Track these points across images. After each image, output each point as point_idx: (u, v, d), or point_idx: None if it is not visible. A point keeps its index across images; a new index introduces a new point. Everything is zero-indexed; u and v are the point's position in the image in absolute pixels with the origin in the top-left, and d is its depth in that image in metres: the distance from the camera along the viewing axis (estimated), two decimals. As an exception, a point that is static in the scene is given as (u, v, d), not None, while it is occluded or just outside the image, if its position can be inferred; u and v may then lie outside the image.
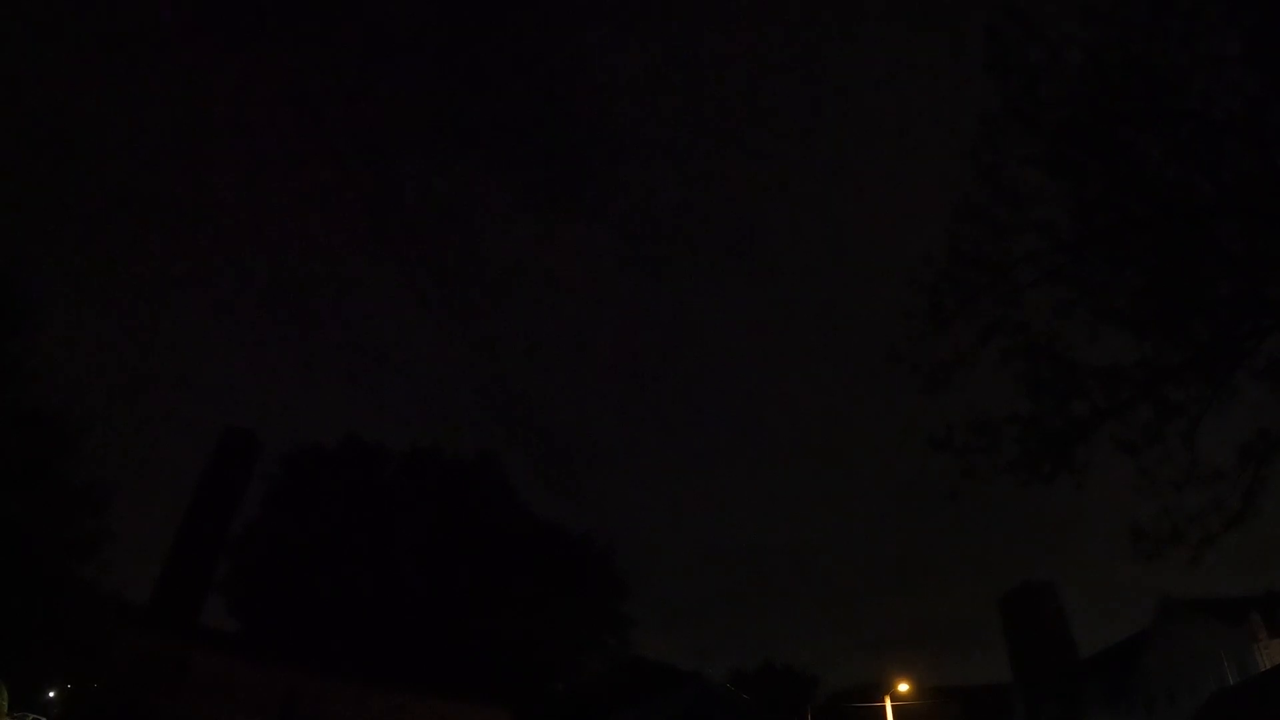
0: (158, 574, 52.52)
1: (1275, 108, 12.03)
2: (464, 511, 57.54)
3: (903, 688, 48.44)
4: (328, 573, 51.44)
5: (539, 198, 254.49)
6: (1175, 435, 13.28)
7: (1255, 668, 39.02)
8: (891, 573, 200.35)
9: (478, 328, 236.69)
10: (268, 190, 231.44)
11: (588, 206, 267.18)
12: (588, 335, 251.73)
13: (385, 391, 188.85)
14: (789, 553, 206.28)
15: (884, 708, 46.83)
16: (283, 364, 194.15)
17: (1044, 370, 13.94)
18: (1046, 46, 13.18)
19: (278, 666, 41.22)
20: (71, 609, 26.72)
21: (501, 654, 53.62)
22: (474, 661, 52.62)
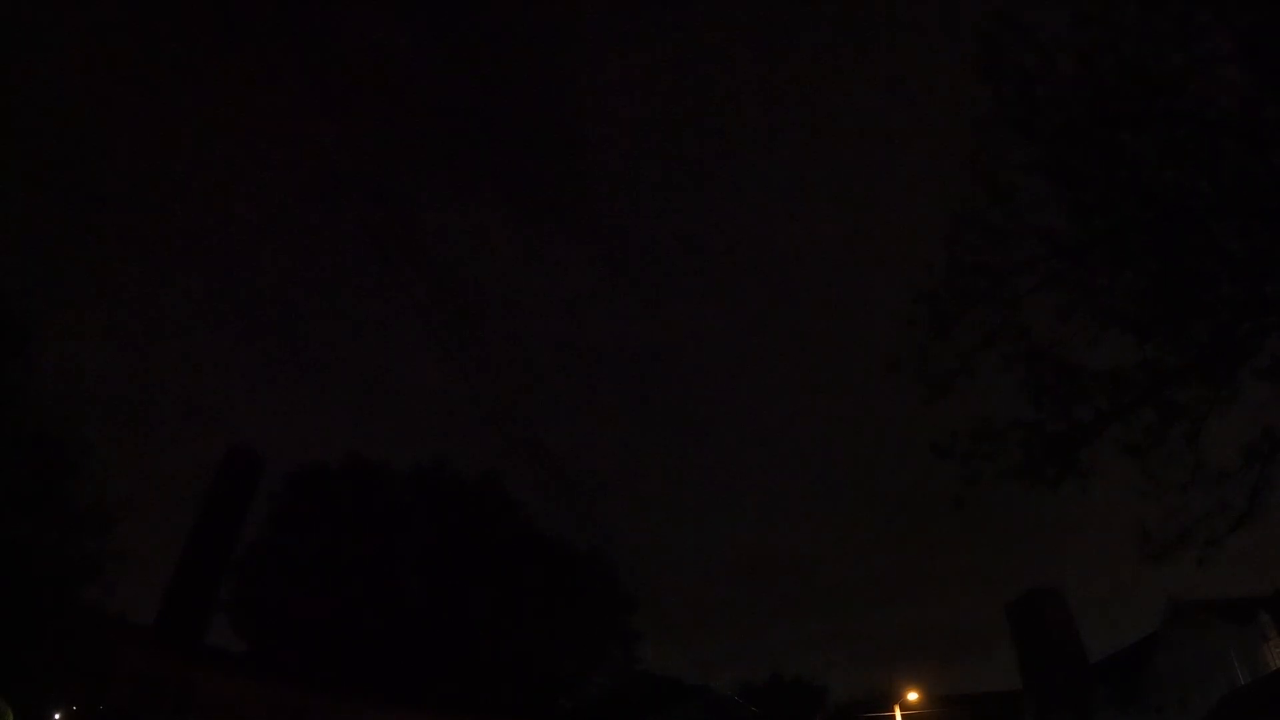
0: (162, 595, 52.30)
1: (1271, 105, 12.06)
2: (468, 528, 57.43)
3: (912, 697, 48.18)
4: (333, 591, 51.31)
5: (528, 214, 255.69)
6: (1179, 437, 13.26)
7: (1265, 668, 38.87)
8: (898, 581, 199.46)
9: (476, 345, 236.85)
10: (267, 211, 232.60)
11: (582, 221, 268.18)
12: (587, 350, 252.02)
13: (387, 409, 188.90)
14: (794, 563, 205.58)
15: (894, 717, 46.65)
16: (284, 383, 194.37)
17: (1046, 375, 13.92)
18: (1040, 51, 13.23)
19: (284, 686, 41.13)
20: (76, 630, 26.62)
21: (508, 670, 53.45)
22: (481, 678, 52.44)
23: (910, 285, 14.47)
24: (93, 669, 30.42)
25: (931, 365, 14.17)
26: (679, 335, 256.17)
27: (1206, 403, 13.14)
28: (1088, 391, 13.65)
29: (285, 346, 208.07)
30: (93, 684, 31.75)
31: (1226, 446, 13.06)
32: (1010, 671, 72.82)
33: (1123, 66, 12.64)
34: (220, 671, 41.06)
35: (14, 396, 25.05)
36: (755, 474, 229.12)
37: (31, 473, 24.94)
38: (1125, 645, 56.93)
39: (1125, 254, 13.42)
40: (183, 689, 36.78)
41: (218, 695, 37.72)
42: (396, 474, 59.73)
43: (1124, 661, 54.44)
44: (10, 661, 24.60)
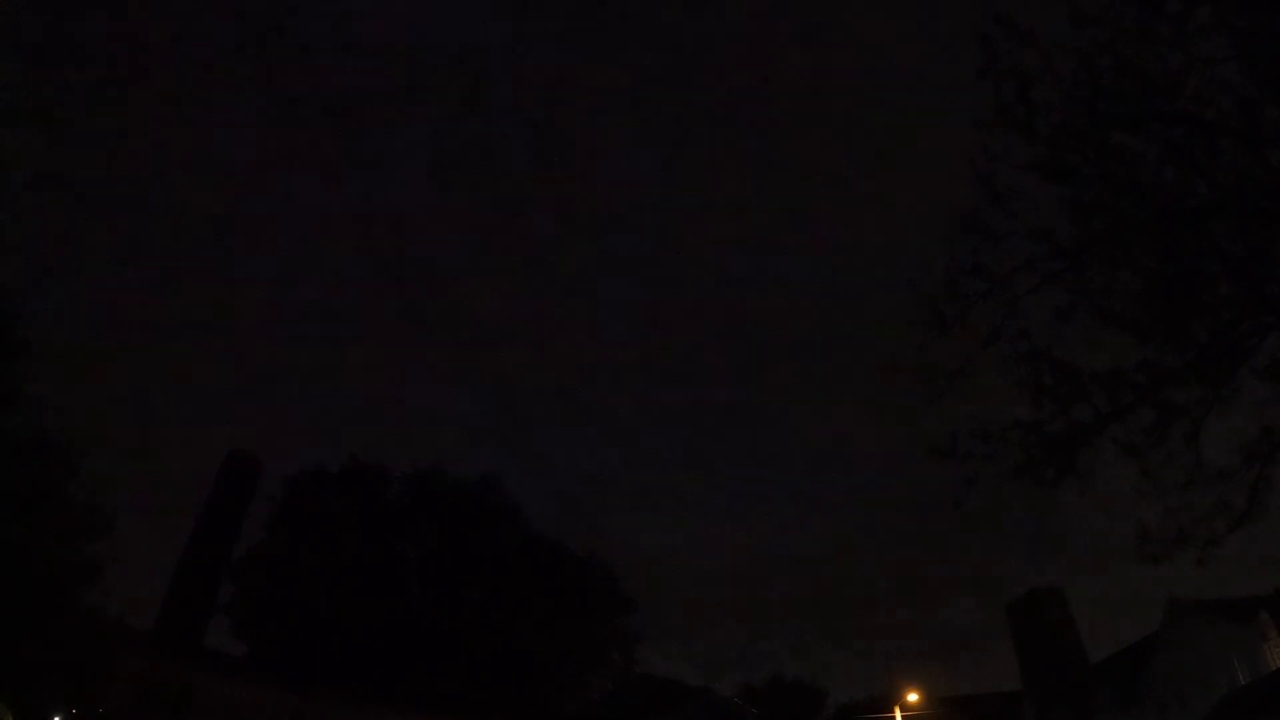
0: (162, 598, 52.26)
1: (1268, 106, 12.08)
2: (468, 532, 57.44)
3: (912, 698, 48.08)
4: (333, 594, 51.32)
5: (526, 214, 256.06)
6: (1178, 437, 13.28)
7: (1265, 667, 38.83)
8: (898, 582, 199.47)
9: (472, 347, 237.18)
10: (265, 212, 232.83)
11: (575, 220, 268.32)
12: (585, 351, 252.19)
13: (385, 413, 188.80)
14: (794, 565, 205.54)
15: (894, 719, 46.61)
16: (283, 387, 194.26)
17: (1045, 376, 13.93)
18: (1038, 52, 13.25)
19: (283, 689, 41.05)
20: (75, 634, 26.63)
21: (508, 673, 53.42)
22: (480, 680, 52.40)
23: (910, 286, 14.51)
24: (92, 672, 30.43)
25: (931, 367, 14.20)
26: (677, 339, 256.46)
27: (1205, 403, 13.15)
28: (1087, 392, 13.66)
29: (284, 350, 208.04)
30: (92, 687, 31.74)
31: (1226, 446, 13.09)
32: (1010, 671, 72.78)
33: (1121, 67, 12.66)
34: (220, 674, 41.00)
35: (14, 399, 25.06)
36: (755, 475, 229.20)
37: (30, 475, 24.94)
38: (1125, 645, 56.92)
39: (1124, 254, 13.44)
40: (182, 692, 36.73)
41: (217, 698, 37.68)
42: (395, 477, 59.74)
43: (1124, 661, 54.35)
44: (10, 664, 24.59)
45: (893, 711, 47.58)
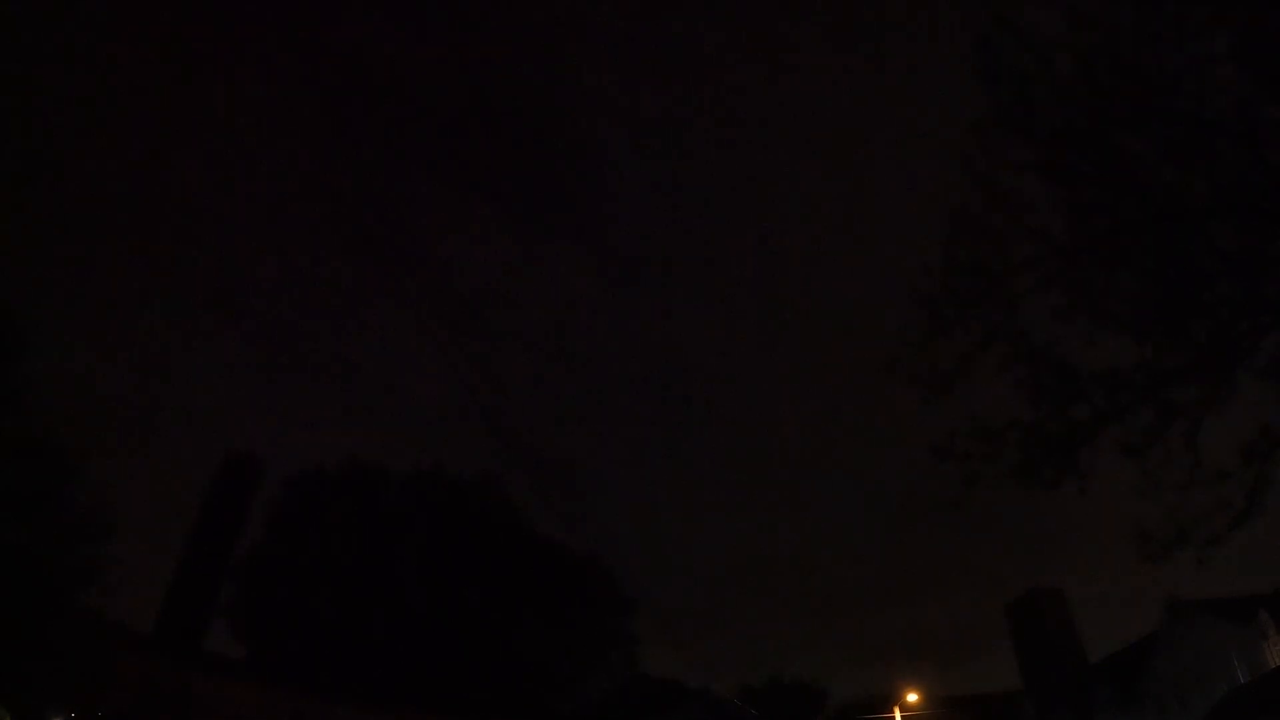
0: (161, 600, 52.28)
1: (1266, 106, 12.07)
2: (467, 532, 57.30)
3: (912, 698, 48.07)
4: (332, 595, 51.22)
5: (523, 217, 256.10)
6: (1177, 436, 13.27)
7: (1265, 667, 38.86)
8: (898, 582, 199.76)
9: (472, 349, 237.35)
10: (265, 215, 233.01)
11: (580, 222, 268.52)
12: (583, 353, 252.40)
13: (385, 413, 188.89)
14: (794, 565, 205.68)
15: (893, 719, 46.61)
16: (283, 388, 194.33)
17: (1044, 376, 13.92)
18: (1037, 53, 13.24)
19: (282, 691, 41.08)
20: (75, 636, 26.56)
21: (507, 674, 53.37)
22: (480, 682, 52.36)
23: (909, 287, 14.50)
24: (91, 674, 30.36)
25: (930, 367, 14.18)
26: (678, 336, 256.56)
27: (1204, 402, 13.15)
28: (1086, 392, 13.65)
29: (283, 351, 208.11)
30: (92, 689, 31.68)
31: (1225, 446, 13.09)
32: (1010, 671, 72.81)
33: (1119, 67, 12.65)
34: (219, 676, 41.01)
35: (14, 402, 25.02)
36: (755, 475, 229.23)
37: (31, 478, 24.89)
38: (1125, 645, 56.95)
39: (1123, 254, 13.43)
40: (181, 694, 36.73)
41: (216, 700, 37.69)
42: (395, 478, 59.60)
43: (1124, 661, 54.39)
44: (9, 667, 24.54)
45: (892, 711, 47.58)
